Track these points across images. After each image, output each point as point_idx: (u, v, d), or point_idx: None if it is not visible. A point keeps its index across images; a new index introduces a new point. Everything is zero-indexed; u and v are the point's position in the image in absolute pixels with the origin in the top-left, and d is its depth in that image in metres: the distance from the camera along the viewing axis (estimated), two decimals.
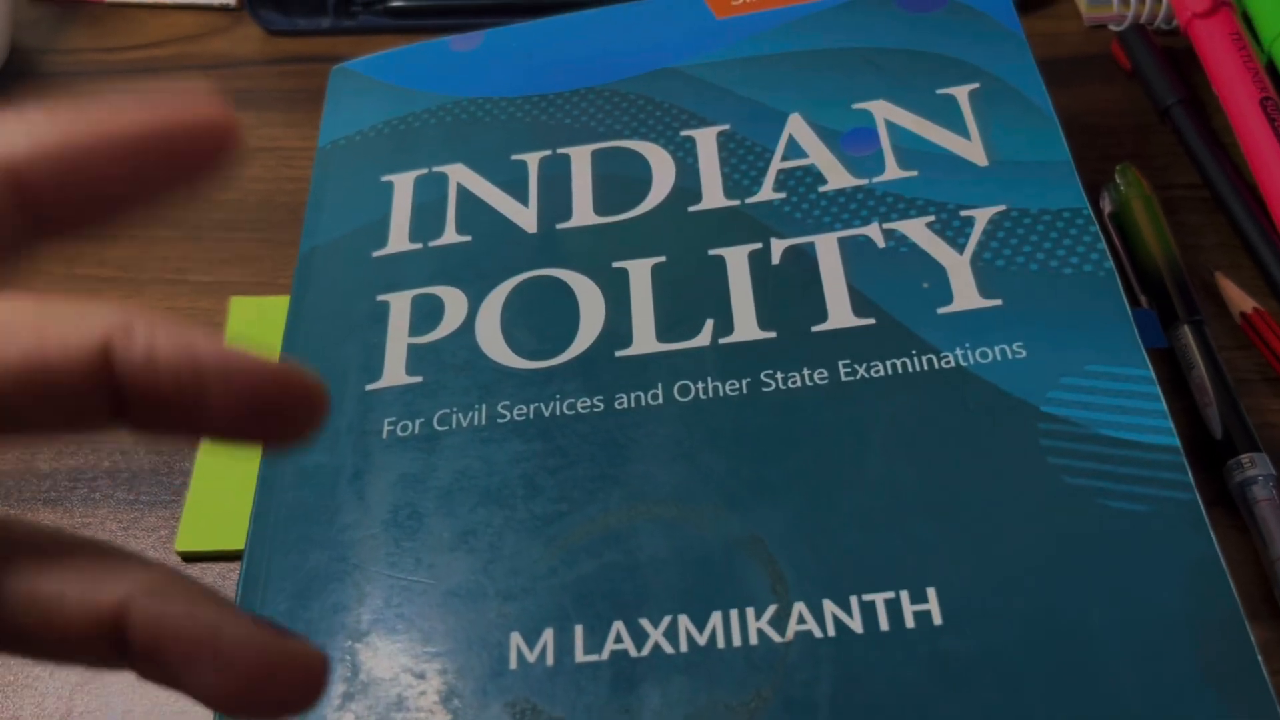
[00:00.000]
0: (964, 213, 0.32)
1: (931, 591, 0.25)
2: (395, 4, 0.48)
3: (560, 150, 0.35)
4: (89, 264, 0.40)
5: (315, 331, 0.32)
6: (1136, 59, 0.41)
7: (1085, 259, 0.30)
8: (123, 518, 0.33)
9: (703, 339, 0.30)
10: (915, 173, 0.33)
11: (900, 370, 0.29)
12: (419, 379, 0.31)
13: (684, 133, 0.35)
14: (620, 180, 0.34)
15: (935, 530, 0.26)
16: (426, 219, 0.34)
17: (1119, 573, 0.25)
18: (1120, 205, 0.37)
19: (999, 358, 0.29)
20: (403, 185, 0.35)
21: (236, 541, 0.32)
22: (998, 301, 0.30)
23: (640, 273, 0.32)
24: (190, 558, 0.32)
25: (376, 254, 0.34)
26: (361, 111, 0.38)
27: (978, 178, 0.32)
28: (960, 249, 0.31)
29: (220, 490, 0.33)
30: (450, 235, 0.34)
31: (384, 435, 0.30)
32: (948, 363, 0.29)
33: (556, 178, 0.35)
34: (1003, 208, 0.31)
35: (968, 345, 0.29)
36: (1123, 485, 0.26)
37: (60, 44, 0.49)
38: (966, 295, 0.30)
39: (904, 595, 0.25)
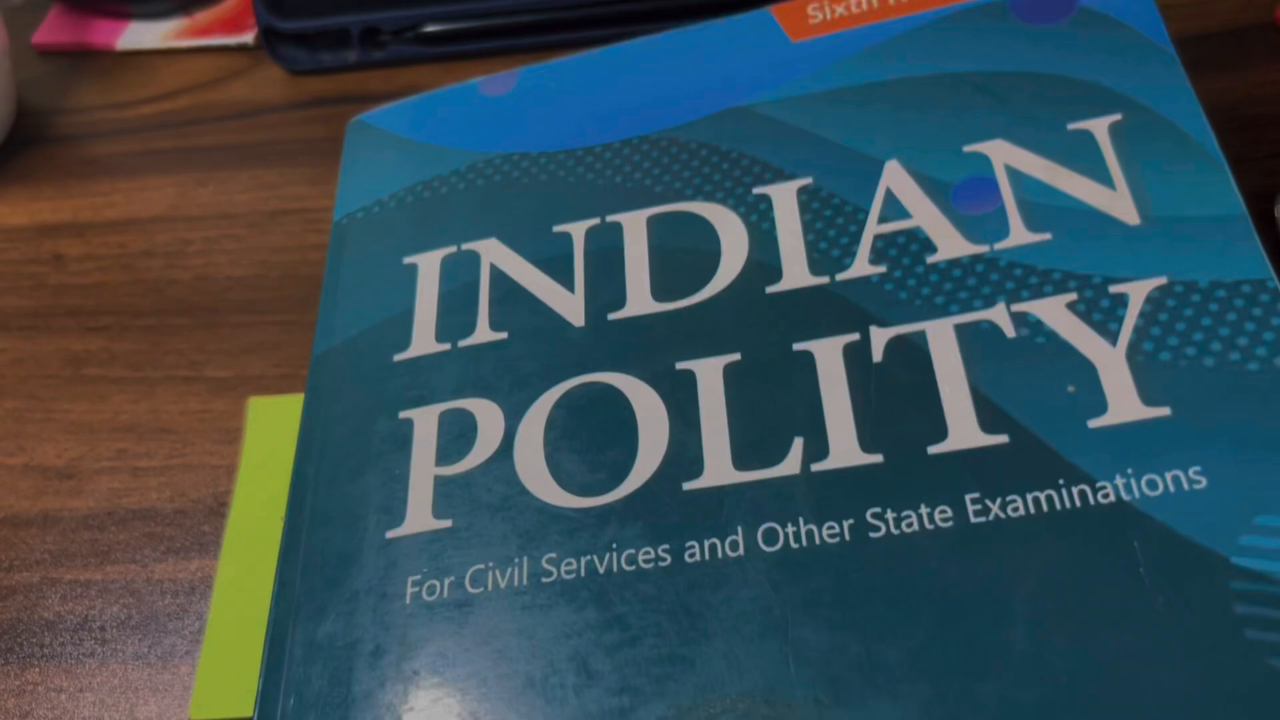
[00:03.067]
0: (1114, 288, 0.25)
1: None
2: (427, 30, 0.42)
3: (610, 218, 0.30)
4: (96, 363, 0.36)
5: (330, 458, 0.27)
6: None
7: (1276, 349, 0.23)
8: (133, 677, 0.29)
9: (791, 465, 0.24)
10: (1048, 235, 0.26)
11: (1046, 508, 0.23)
12: (448, 523, 0.25)
13: (757, 190, 0.29)
14: (683, 255, 0.29)
15: None
16: (455, 311, 0.29)
17: None
18: None
19: (1172, 489, 0.22)
20: (428, 268, 0.30)
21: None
22: (1165, 410, 0.23)
23: (710, 376, 0.26)
24: None
25: (398, 357, 0.29)
26: (381, 176, 0.33)
27: (1129, 240, 0.26)
28: (1113, 338, 0.24)
29: (239, 641, 0.29)
30: (483, 332, 0.28)
31: (407, 600, 0.25)
32: (1106, 496, 0.23)
33: (607, 254, 0.29)
34: (1164, 280, 0.25)
35: (1130, 472, 0.23)
36: None
37: (69, 102, 0.45)
38: (1125, 402, 0.24)
39: None
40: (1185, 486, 0.22)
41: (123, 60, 0.46)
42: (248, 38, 0.45)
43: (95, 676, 0.29)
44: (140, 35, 0.46)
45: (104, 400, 0.35)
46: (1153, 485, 0.23)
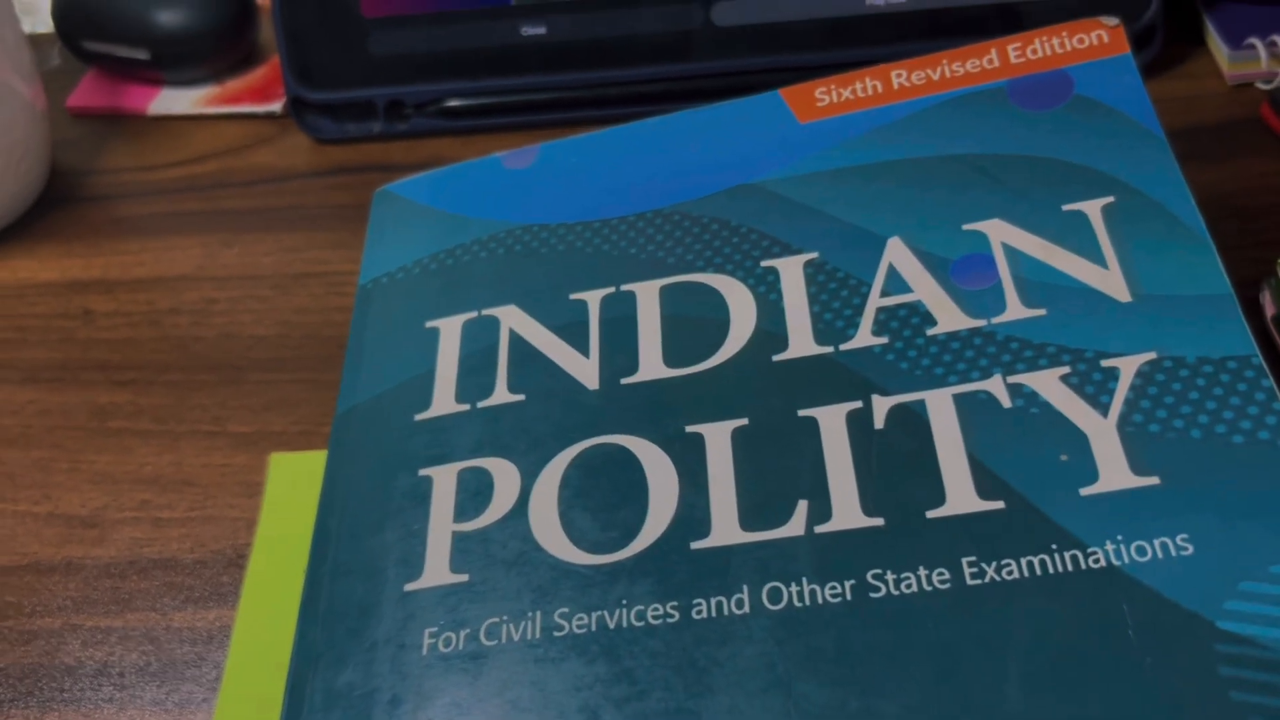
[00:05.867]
0: (1105, 362, 0.26)
1: None
2: (449, 104, 0.44)
3: (624, 286, 0.31)
4: (122, 416, 0.37)
5: (352, 512, 0.29)
6: None
7: (1260, 423, 0.25)
8: None
9: (795, 527, 0.25)
10: (1043, 311, 0.28)
11: (1039, 571, 0.24)
12: (464, 577, 0.26)
13: (765, 263, 0.31)
14: (693, 323, 0.30)
15: None
16: (475, 373, 0.30)
17: None
18: None
19: (1160, 555, 0.23)
20: (450, 332, 0.32)
21: None
22: (1154, 480, 0.24)
23: (718, 439, 0.27)
24: None
25: (419, 417, 0.30)
26: (407, 243, 0.34)
27: (1120, 317, 0.27)
28: (1104, 410, 0.26)
29: (256, 690, 0.30)
30: (501, 394, 0.30)
31: (424, 650, 0.25)
32: (1096, 561, 0.24)
33: (621, 321, 0.30)
34: (1153, 355, 0.26)
35: (1120, 538, 0.24)
36: None
37: (101, 163, 0.46)
38: (1115, 471, 0.25)
39: None
40: (1173, 553, 0.23)
41: (154, 124, 0.48)
42: (275, 106, 0.47)
43: None
44: (171, 101, 0.48)
45: (129, 452, 0.36)
46: (1141, 551, 0.24)
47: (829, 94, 0.33)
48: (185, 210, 0.44)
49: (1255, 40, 0.39)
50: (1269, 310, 0.32)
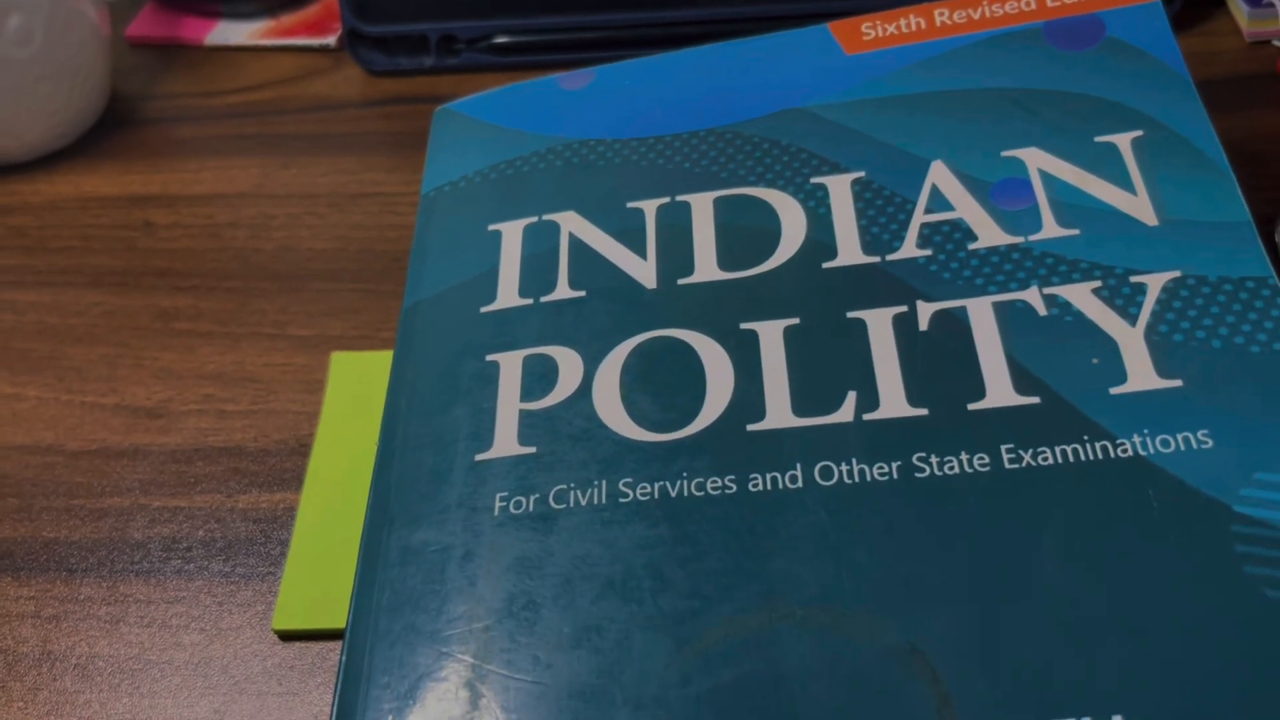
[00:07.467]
0: (1134, 278, 0.28)
1: None
2: (499, 40, 0.46)
3: (680, 197, 0.33)
4: (184, 318, 0.39)
5: (421, 394, 0.30)
6: None
7: (1275, 336, 0.27)
8: (218, 591, 0.32)
9: (845, 414, 0.27)
10: (1077, 231, 0.30)
11: (1072, 459, 0.26)
12: (533, 449, 0.28)
13: (815, 180, 0.32)
14: (746, 231, 0.32)
15: (1119, 649, 0.23)
16: (537, 272, 0.32)
17: None
18: None
19: (1182, 448, 0.25)
20: (511, 234, 0.33)
21: (338, 619, 0.30)
22: (1177, 382, 0.26)
23: (771, 336, 0.29)
24: (288, 636, 0.30)
25: (485, 309, 0.32)
26: (467, 155, 0.36)
27: (1147, 239, 0.29)
28: (1132, 320, 0.28)
29: (320, 561, 0.31)
30: (563, 290, 0.31)
31: (496, 513, 0.27)
32: (1125, 451, 0.26)
33: (676, 228, 0.32)
34: (1178, 274, 0.28)
35: (1146, 432, 0.26)
36: None
37: (158, 89, 0.48)
38: (1142, 374, 0.27)
39: None
40: (1195, 446, 0.25)
41: (210, 55, 0.49)
42: (330, 40, 0.48)
43: (182, 591, 0.32)
44: (228, 33, 0.49)
45: (192, 351, 0.38)
46: (1166, 444, 0.26)
47: (875, 29, 0.35)
48: (242, 134, 0.46)
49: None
50: None
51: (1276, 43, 0.39)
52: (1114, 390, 0.27)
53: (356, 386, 0.35)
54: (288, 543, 0.32)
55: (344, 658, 0.26)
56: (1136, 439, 0.26)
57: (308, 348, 0.37)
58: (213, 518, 0.33)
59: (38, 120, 0.44)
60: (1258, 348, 0.27)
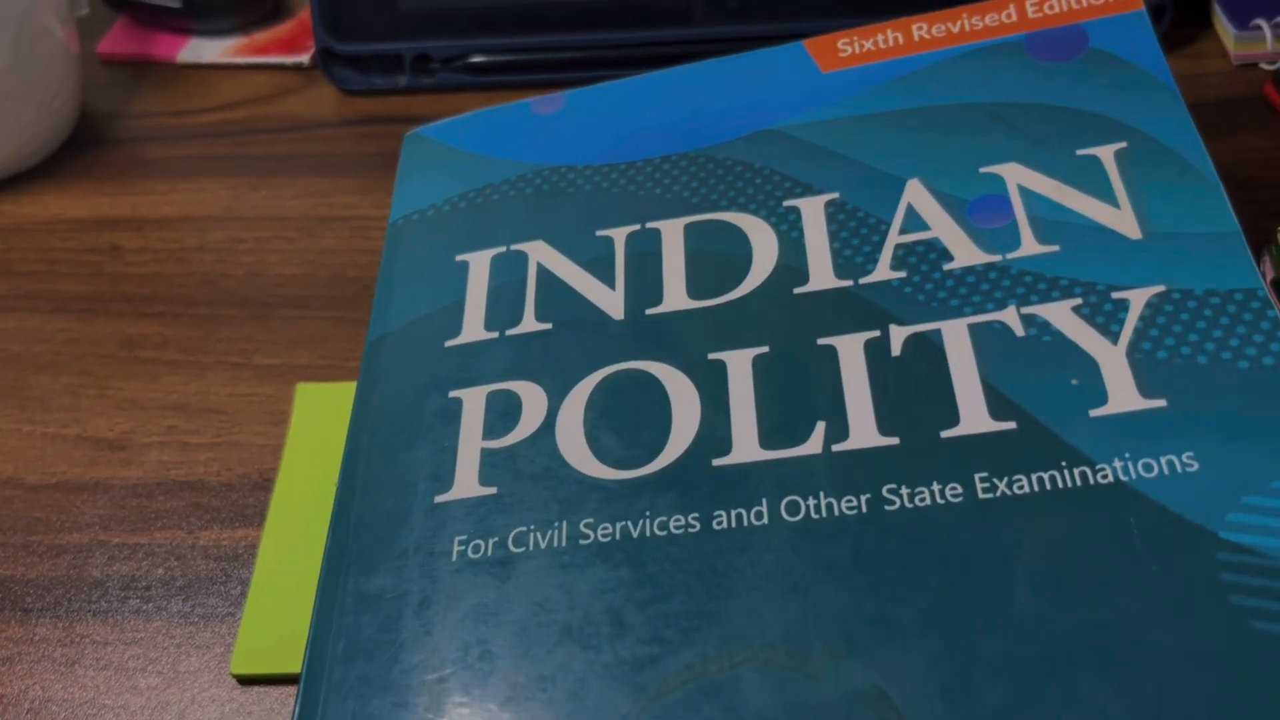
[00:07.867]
0: (1116, 295, 0.27)
1: None
2: (475, 60, 0.45)
3: (650, 224, 0.32)
4: (150, 346, 0.38)
5: (383, 432, 0.29)
6: None
7: (1264, 350, 0.26)
8: (176, 633, 0.31)
9: (813, 446, 0.26)
10: (1056, 247, 0.28)
11: (1048, 486, 0.25)
12: (493, 490, 0.27)
13: (787, 203, 0.31)
14: (716, 258, 0.31)
15: (1098, 687, 0.22)
16: (504, 304, 0.31)
17: None
18: None
19: (1166, 472, 0.24)
20: (479, 265, 0.32)
21: (297, 664, 0.29)
22: (1161, 402, 0.25)
23: (740, 366, 0.28)
24: (246, 680, 0.29)
25: (449, 343, 0.31)
26: (436, 182, 0.35)
27: (1131, 253, 0.28)
28: (1114, 338, 0.27)
29: (281, 603, 0.30)
30: (529, 323, 0.31)
31: (454, 557, 0.26)
32: (1105, 477, 0.24)
33: (646, 256, 0.31)
34: (1162, 289, 0.27)
35: (1128, 456, 0.25)
36: None
37: (130, 108, 0.47)
38: (1124, 395, 0.26)
39: None
40: (1179, 469, 0.24)
41: (182, 72, 0.49)
42: (303, 58, 0.48)
43: (140, 632, 0.31)
44: (200, 50, 0.49)
45: (156, 380, 0.37)
46: (1148, 468, 0.24)
47: (851, 45, 0.34)
48: (213, 154, 0.45)
49: (1261, 21, 0.39)
50: (1269, 275, 0.33)
51: (1264, 65, 0.38)
52: (1094, 412, 0.26)
53: (321, 419, 0.34)
54: (249, 582, 0.32)
55: (297, 709, 0.25)
56: (1117, 464, 0.25)
57: (273, 377, 0.36)
58: (173, 555, 0.33)
59: (5, 139, 0.43)
60: (1246, 363, 0.26)
